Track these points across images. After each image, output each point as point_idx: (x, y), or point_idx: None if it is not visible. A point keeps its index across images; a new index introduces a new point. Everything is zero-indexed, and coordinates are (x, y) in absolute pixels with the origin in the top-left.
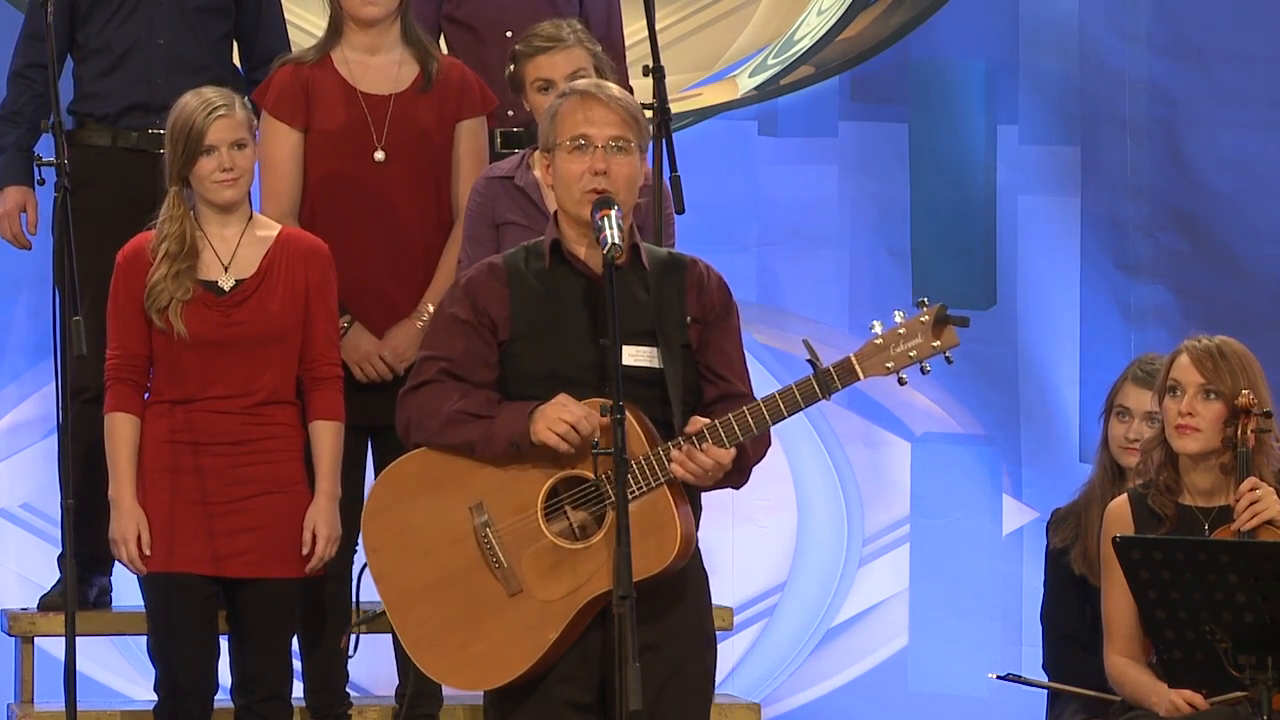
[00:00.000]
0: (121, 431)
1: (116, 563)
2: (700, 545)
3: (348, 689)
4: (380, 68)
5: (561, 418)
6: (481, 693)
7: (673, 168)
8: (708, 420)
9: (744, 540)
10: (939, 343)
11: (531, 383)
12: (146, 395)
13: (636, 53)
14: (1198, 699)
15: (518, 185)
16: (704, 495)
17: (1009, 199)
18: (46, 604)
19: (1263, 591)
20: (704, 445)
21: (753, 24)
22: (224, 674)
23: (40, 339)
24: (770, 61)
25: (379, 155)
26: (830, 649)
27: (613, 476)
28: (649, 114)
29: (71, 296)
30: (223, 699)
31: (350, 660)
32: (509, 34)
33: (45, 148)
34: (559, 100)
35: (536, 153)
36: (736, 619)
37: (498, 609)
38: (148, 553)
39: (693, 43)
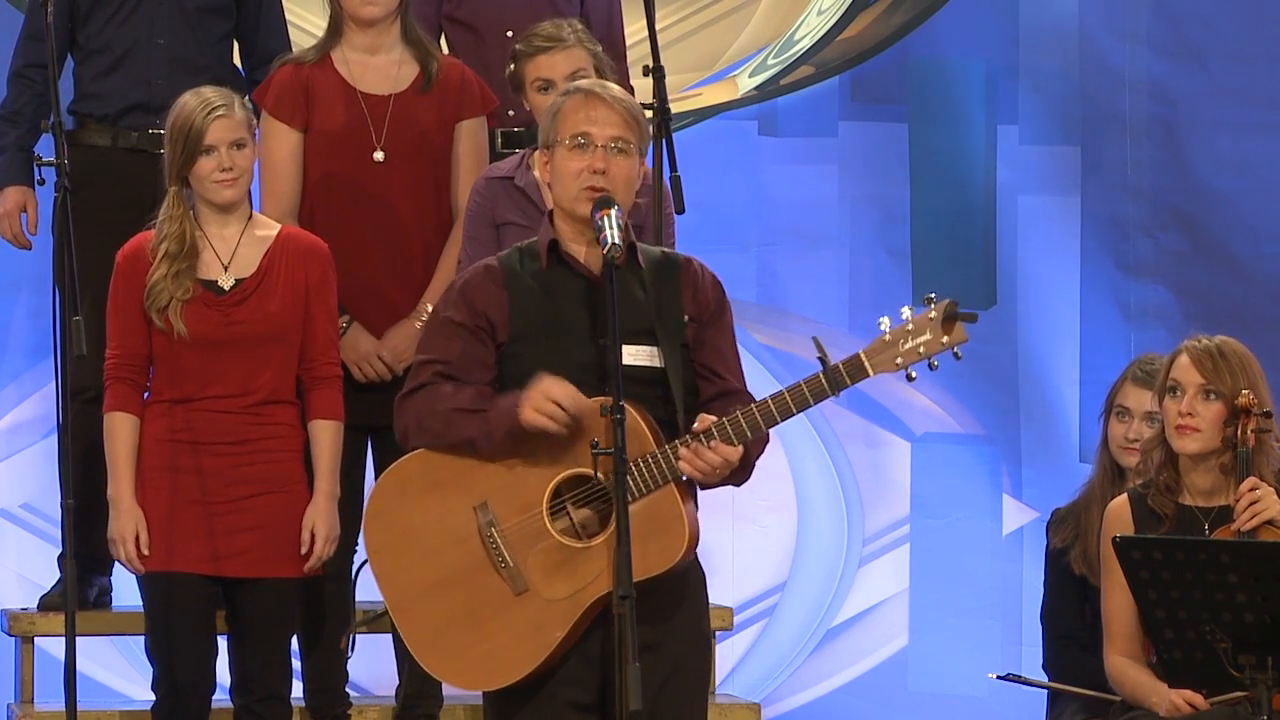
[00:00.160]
0: (121, 431)
1: (116, 563)
2: (699, 545)
3: (347, 689)
4: (380, 68)
5: (547, 396)
6: (481, 694)
7: (673, 168)
8: (715, 418)
9: (744, 540)
10: (948, 339)
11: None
12: (146, 395)
13: (636, 53)
14: (1198, 699)
15: (518, 186)
16: (703, 495)
17: (1009, 199)
18: (46, 604)
19: (1263, 591)
20: (712, 443)
21: (753, 24)
22: (223, 674)
23: (40, 339)
24: (770, 61)
25: (378, 155)
26: (830, 649)
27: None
28: (649, 114)
29: (71, 296)
30: (222, 699)
31: (350, 660)
32: (510, 34)
33: (45, 148)
34: (562, 98)
35: (536, 153)
36: (736, 619)
37: (503, 608)
38: (145, 552)
39: (693, 43)
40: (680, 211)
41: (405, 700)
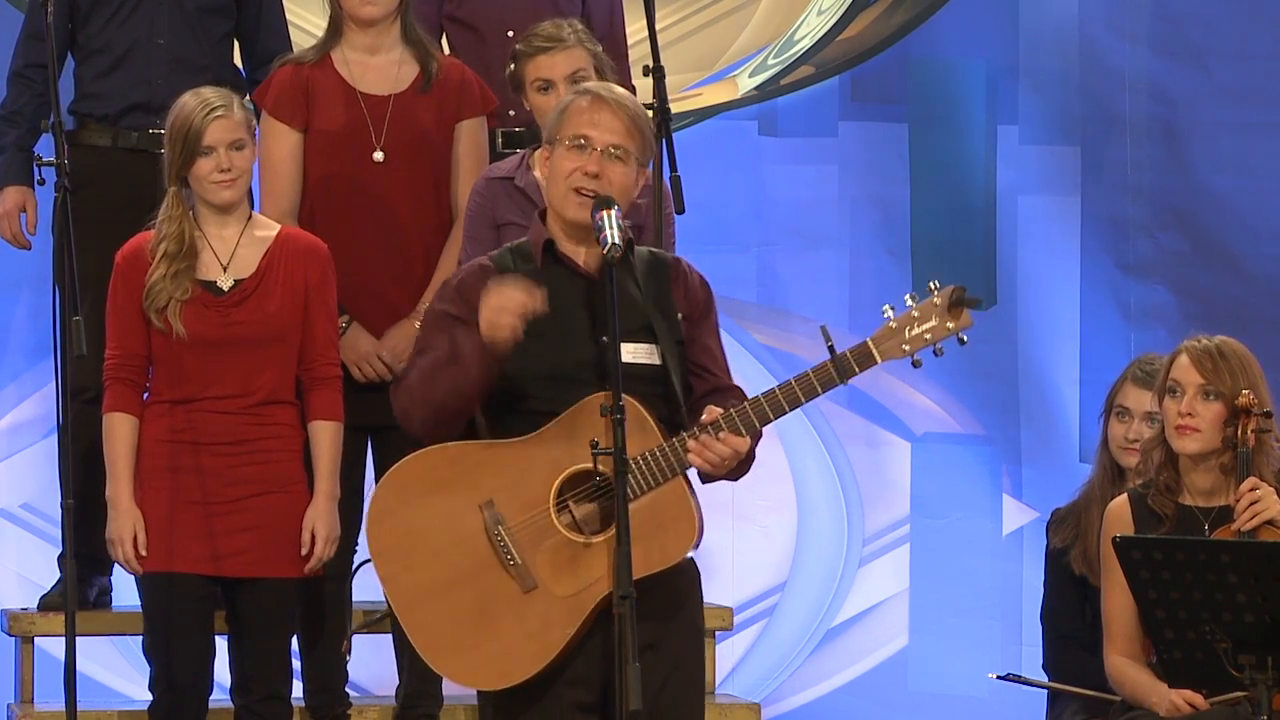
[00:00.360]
0: (120, 431)
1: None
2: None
3: (347, 689)
4: (380, 68)
5: (499, 308)
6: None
7: (673, 168)
8: (722, 410)
9: (744, 540)
10: (954, 324)
11: (532, 382)
12: (146, 395)
13: (637, 53)
14: (1198, 699)
15: (518, 186)
16: (702, 495)
17: (1009, 199)
18: (46, 604)
19: (1263, 591)
20: (721, 434)
21: (753, 24)
22: (223, 674)
23: (40, 339)
24: (770, 61)
25: (378, 155)
26: (830, 649)
27: (627, 471)
28: (649, 114)
29: (71, 296)
30: (222, 699)
31: (349, 661)
32: (510, 34)
33: (45, 148)
34: (571, 98)
35: (536, 153)
36: (736, 619)
37: (512, 606)
38: (144, 553)
39: (693, 43)
40: (680, 211)
41: (405, 700)
